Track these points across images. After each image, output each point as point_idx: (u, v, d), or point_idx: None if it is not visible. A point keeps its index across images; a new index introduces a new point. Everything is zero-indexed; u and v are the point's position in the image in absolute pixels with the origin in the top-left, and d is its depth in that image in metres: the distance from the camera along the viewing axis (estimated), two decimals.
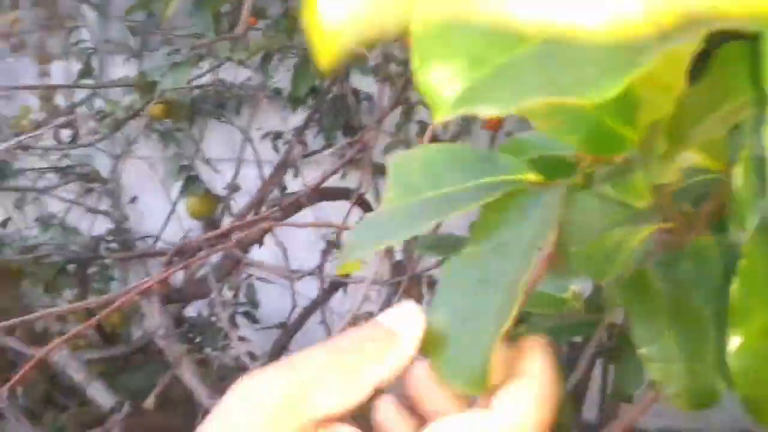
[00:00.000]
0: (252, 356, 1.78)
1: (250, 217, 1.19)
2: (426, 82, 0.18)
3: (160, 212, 1.94)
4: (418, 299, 1.03)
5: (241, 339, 1.79)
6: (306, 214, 1.14)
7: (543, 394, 0.22)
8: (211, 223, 1.17)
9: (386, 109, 0.89)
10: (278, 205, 0.85)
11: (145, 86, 1.04)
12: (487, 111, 0.17)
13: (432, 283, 1.03)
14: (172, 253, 0.98)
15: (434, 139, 1.33)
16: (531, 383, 0.22)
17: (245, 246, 1.02)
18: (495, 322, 0.20)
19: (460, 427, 0.21)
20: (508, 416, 0.21)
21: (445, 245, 0.96)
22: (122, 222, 1.76)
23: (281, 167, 1.20)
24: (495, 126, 1.44)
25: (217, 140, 1.87)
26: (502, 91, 0.17)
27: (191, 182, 1.14)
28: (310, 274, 0.96)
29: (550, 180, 0.26)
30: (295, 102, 1.23)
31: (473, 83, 0.17)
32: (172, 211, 1.45)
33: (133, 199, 1.87)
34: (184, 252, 1.10)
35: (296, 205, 0.90)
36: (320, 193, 0.99)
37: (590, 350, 0.54)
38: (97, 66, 1.41)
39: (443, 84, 0.18)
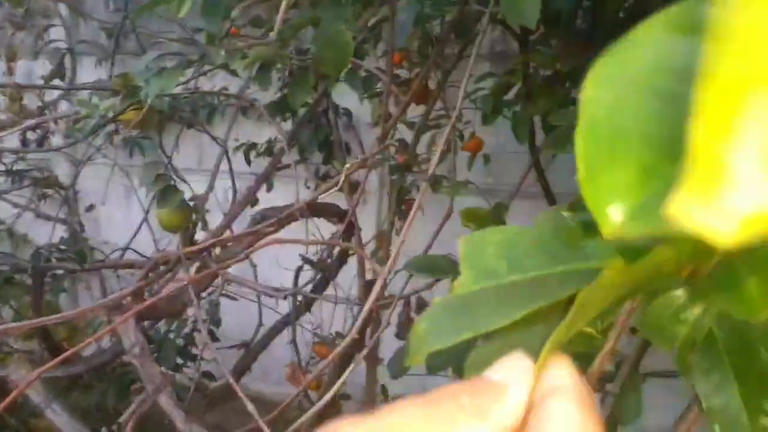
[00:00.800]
0: (210, 376, 1.71)
1: (228, 233, 1.15)
2: (593, 196, 0.16)
3: (119, 222, 1.85)
4: (408, 321, 1.01)
5: (200, 358, 1.72)
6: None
7: (582, 403, 0.20)
8: (188, 235, 1.12)
9: (387, 127, 0.88)
10: (275, 219, 0.82)
11: (127, 91, 0.99)
12: (659, 230, 0.15)
13: (422, 305, 1.01)
14: (149, 266, 0.93)
15: (414, 156, 1.33)
16: (566, 395, 0.20)
17: (226, 261, 0.98)
18: None
19: None
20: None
21: (437, 268, 0.95)
22: (78, 230, 1.67)
23: (261, 181, 1.16)
24: (474, 148, 1.45)
25: (183, 150, 1.80)
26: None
27: (168, 192, 1.09)
28: (295, 293, 0.93)
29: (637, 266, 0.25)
30: (281, 113, 1.20)
31: (644, 199, 0.16)
32: (144, 220, 1.38)
33: (90, 207, 1.78)
34: (158, 265, 1.05)
35: (289, 220, 0.87)
36: (313, 209, 0.96)
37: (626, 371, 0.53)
38: (68, 67, 1.34)
39: (611, 200, 0.16)
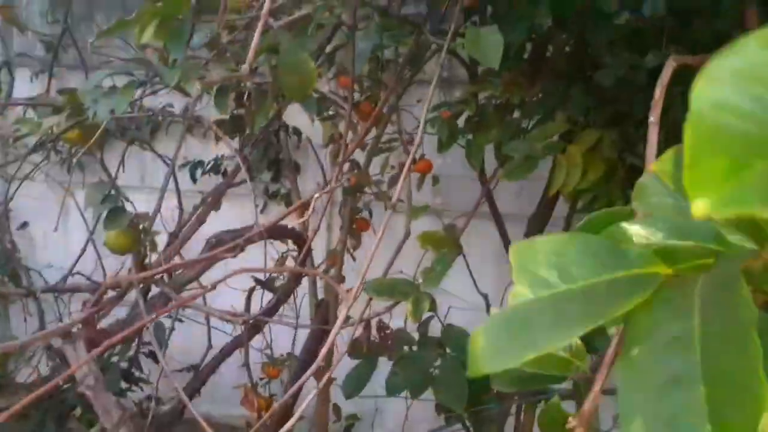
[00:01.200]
0: (158, 401, 1.66)
1: (179, 255, 1.13)
2: (692, 180, 0.19)
3: (56, 241, 1.77)
4: (368, 342, 1.02)
5: (144, 382, 1.67)
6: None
7: None
8: (139, 258, 1.09)
9: (348, 151, 0.89)
10: (233, 243, 0.82)
11: (73, 109, 0.96)
12: (750, 212, 0.18)
13: (382, 328, 1.02)
14: (101, 290, 0.90)
15: (366, 177, 1.34)
16: None
17: (181, 285, 0.97)
18: (714, 419, 0.20)
19: None
20: None
21: (397, 290, 0.96)
22: (10, 250, 1.59)
23: (214, 200, 1.15)
24: (424, 170, 1.48)
25: (125, 166, 1.75)
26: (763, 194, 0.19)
27: (116, 214, 1.05)
28: (251, 318, 0.92)
29: (681, 270, 0.27)
30: (231, 132, 1.19)
31: (735, 187, 0.18)
32: (89, 242, 1.33)
33: (24, 225, 1.70)
34: (107, 290, 1.01)
35: (247, 243, 0.87)
36: (271, 232, 0.96)
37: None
38: (2, 81, 1.28)
39: (707, 185, 0.19)
